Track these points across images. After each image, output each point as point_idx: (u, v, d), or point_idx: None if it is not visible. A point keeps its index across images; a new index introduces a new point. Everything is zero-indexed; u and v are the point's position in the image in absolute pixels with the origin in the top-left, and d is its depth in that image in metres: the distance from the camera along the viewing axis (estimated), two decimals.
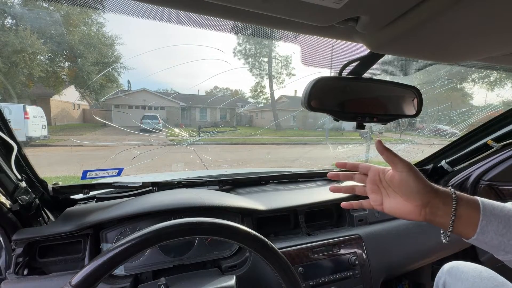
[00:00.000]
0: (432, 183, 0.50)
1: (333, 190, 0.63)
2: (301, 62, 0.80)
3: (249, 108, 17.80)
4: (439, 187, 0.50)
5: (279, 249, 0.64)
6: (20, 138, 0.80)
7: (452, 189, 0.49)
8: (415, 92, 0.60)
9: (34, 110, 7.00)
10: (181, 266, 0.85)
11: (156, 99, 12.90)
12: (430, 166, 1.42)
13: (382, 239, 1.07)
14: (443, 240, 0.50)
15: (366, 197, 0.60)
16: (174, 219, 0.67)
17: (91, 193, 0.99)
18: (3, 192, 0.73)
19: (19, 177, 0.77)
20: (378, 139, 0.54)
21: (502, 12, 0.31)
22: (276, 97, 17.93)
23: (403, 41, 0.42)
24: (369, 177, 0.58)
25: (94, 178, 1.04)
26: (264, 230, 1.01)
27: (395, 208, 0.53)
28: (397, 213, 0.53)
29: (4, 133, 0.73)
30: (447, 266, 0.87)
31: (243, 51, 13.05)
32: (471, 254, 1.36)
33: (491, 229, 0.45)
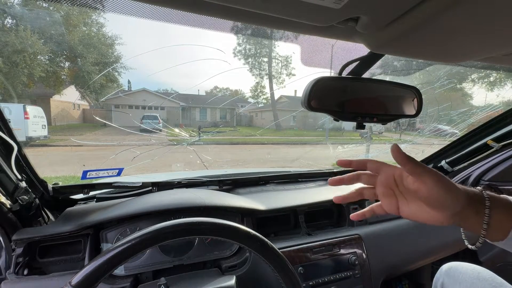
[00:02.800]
0: (465, 188, 0.44)
1: (338, 201, 0.52)
2: (301, 62, 0.80)
3: (249, 108, 17.80)
4: (472, 191, 0.44)
5: (279, 249, 0.64)
6: (20, 138, 0.80)
7: (485, 193, 0.44)
8: (415, 92, 0.60)
9: (34, 110, 6.99)
10: (181, 266, 0.85)
11: (156, 99, 12.90)
12: (430, 166, 1.42)
13: (382, 239, 1.07)
14: (469, 246, 0.47)
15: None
16: (174, 219, 0.67)
17: (91, 193, 0.99)
18: (3, 192, 0.74)
19: (19, 177, 0.77)
20: (394, 143, 0.44)
21: (502, 12, 0.31)
22: (276, 97, 17.95)
23: (403, 41, 0.42)
24: (381, 180, 0.49)
25: (94, 178, 1.04)
26: (264, 230, 1.01)
27: (417, 214, 0.46)
28: (419, 219, 0.46)
29: (4, 133, 0.73)
30: (445, 267, 0.86)
31: (243, 51, 13.07)
32: (471, 254, 1.36)
33: None
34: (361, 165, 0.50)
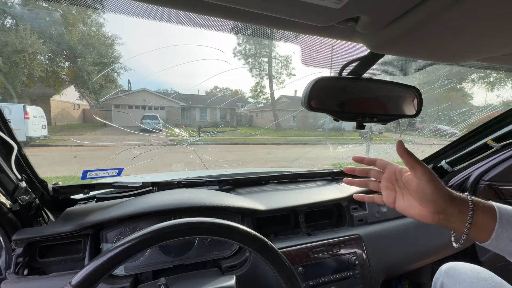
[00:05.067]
0: (450, 190, 0.50)
1: (348, 182, 0.63)
2: (301, 62, 0.80)
3: (249, 108, 17.80)
4: (457, 193, 0.50)
5: (279, 249, 0.64)
6: (20, 138, 0.80)
7: (469, 196, 0.49)
8: (415, 92, 0.60)
9: (34, 110, 7.00)
10: (181, 266, 0.85)
11: (156, 99, 12.90)
12: (430, 166, 1.41)
13: (382, 239, 1.07)
14: (455, 245, 0.51)
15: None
16: (174, 219, 0.67)
17: (91, 193, 0.99)
18: (3, 192, 0.74)
19: (19, 177, 0.77)
20: (400, 139, 0.52)
21: (502, 12, 0.31)
22: (276, 97, 17.94)
23: (403, 41, 0.42)
24: (385, 175, 0.58)
25: (94, 178, 1.04)
26: (264, 230, 1.02)
27: (407, 209, 0.53)
28: (409, 214, 0.53)
29: (4, 133, 0.73)
30: (444, 267, 0.86)
31: (243, 51, 13.05)
32: (471, 254, 1.36)
33: (506, 236, 0.45)
34: (372, 162, 0.61)
